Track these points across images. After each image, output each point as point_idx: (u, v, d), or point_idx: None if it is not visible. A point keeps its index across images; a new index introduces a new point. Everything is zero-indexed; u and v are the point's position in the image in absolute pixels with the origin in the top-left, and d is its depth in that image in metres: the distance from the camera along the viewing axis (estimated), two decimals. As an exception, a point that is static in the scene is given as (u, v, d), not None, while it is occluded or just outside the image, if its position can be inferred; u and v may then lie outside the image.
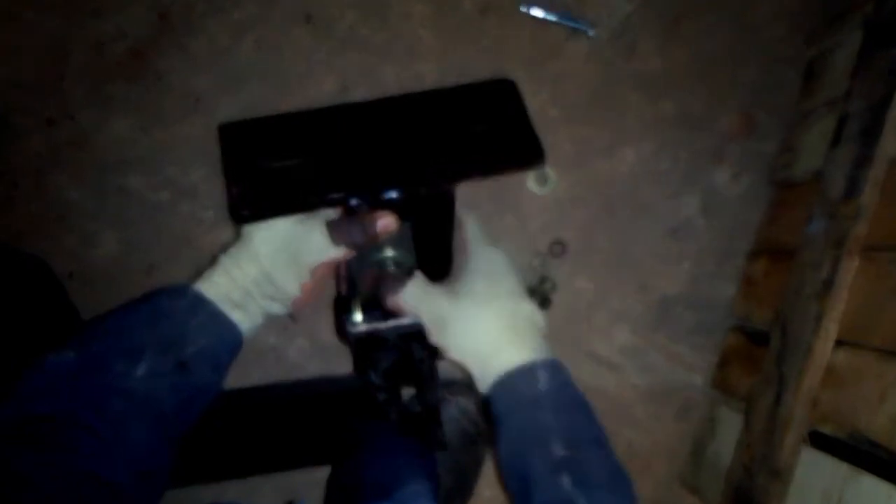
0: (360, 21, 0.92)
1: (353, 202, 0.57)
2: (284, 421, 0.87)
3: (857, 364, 0.67)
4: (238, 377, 0.92)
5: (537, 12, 0.91)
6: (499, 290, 0.59)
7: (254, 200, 0.56)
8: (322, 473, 0.82)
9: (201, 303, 0.56)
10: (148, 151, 0.92)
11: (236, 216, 0.56)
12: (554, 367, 0.56)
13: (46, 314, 0.84)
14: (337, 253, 0.60)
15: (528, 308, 0.59)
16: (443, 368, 0.94)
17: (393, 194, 0.56)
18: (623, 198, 0.95)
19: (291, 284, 0.60)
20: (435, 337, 0.59)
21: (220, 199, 0.92)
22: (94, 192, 0.92)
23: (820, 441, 0.70)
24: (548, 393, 0.54)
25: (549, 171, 0.93)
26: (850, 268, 0.69)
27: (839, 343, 0.70)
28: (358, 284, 0.65)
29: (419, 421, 0.68)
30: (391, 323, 0.59)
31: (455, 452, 0.83)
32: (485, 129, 0.59)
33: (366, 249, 0.61)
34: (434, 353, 0.61)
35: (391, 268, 0.60)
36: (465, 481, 0.86)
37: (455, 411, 0.84)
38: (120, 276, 0.92)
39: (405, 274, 0.60)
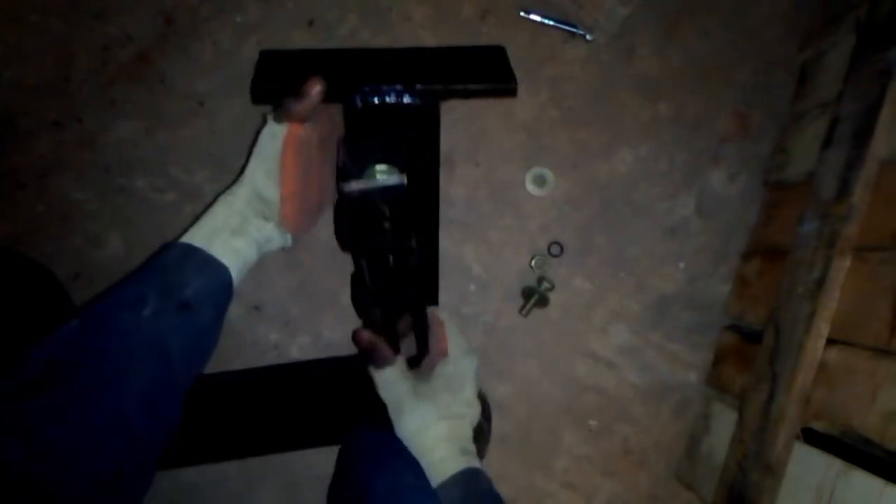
0: (361, 24, 0.93)
1: (356, 95, 0.67)
2: (285, 400, 0.89)
3: (849, 362, 0.68)
4: (241, 375, 0.93)
5: (536, 17, 0.93)
6: (456, 404, 0.70)
7: (270, 82, 0.70)
8: (323, 469, 0.83)
9: (191, 251, 0.61)
10: (152, 153, 0.93)
11: (254, 94, 0.70)
12: (477, 475, 0.66)
13: (50, 324, 0.85)
14: (284, 129, 0.66)
15: (470, 421, 0.71)
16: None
17: (391, 92, 0.67)
18: (620, 199, 0.96)
19: (270, 188, 0.66)
20: (390, 415, 0.70)
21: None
22: (99, 193, 0.94)
23: (812, 437, 0.71)
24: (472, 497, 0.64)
25: (548, 172, 0.95)
26: (842, 267, 0.70)
27: (831, 341, 0.71)
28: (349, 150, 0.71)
29: (415, 330, 0.76)
30: (379, 180, 0.67)
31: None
32: (471, 61, 0.74)
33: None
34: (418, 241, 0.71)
35: (383, 180, 0.67)
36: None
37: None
38: (125, 276, 0.93)
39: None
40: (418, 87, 0.66)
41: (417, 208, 0.69)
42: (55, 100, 0.93)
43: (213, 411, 0.84)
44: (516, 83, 0.70)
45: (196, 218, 0.65)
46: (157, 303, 0.56)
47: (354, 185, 0.66)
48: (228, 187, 0.67)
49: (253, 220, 0.65)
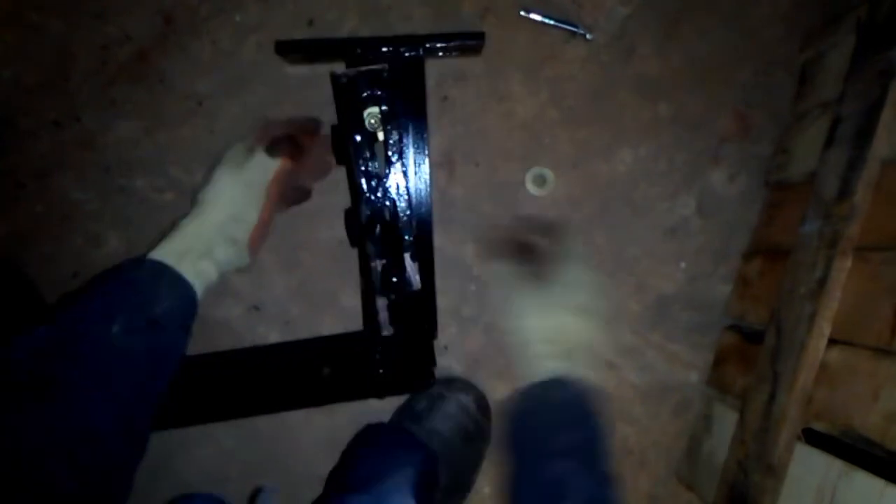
0: (361, 24, 0.93)
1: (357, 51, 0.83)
2: (286, 368, 0.89)
3: (851, 362, 0.68)
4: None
5: (536, 16, 0.92)
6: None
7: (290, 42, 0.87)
8: (323, 470, 0.83)
9: (162, 268, 0.63)
10: (152, 153, 0.93)
11: (278, 47, 0.86)
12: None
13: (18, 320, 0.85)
14: (277, 165, 0.74)
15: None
16: (442, 368, 0.95)
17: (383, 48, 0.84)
18: (620, 199, 0.96)
19: (251, 213, 0.72)
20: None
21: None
22: (99, 192, 0.94)
23: (814, 438, 0.71)
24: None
25: (548, 172, 0.94)
26: (843, 267, 0.70)
27: (832, 342, 0.70)
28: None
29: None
30: (363, 68, 0.78)
31: (454, 450, 0.84)
32: (446, 34, 0.88)
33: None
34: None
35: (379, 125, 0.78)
36: (464, 479, 0.87)
37: (454, 408, 0.85)
38: (124, 275, 0.93)
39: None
40: (405, 49, 0.85)
41: (401, 99, 0.82)
42: (55, 100, 0.93)
43: (213, 380, 0.86)
44: (483, 37, 0.87)
45: (163, 235, 0.67)
46: (128, 319, 0.58)
47: (343, 71, 0.77)
48: (196, 207, 0.71)
49: (221, 244, 0.69)
